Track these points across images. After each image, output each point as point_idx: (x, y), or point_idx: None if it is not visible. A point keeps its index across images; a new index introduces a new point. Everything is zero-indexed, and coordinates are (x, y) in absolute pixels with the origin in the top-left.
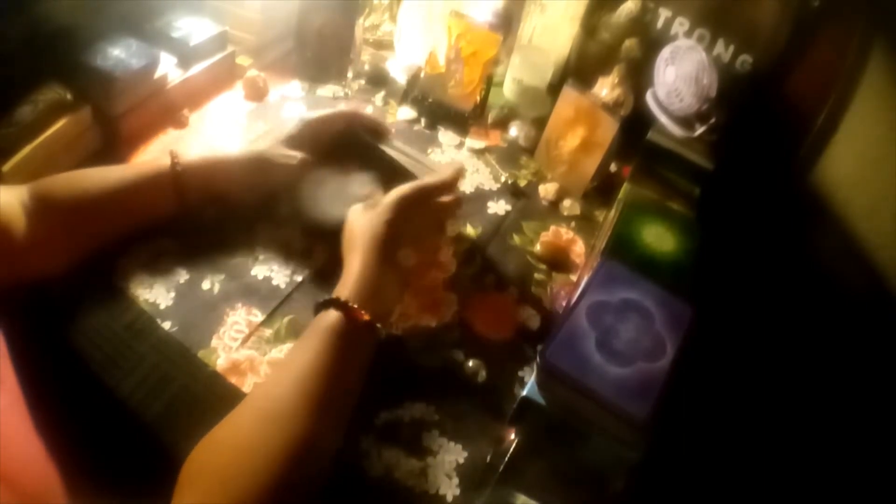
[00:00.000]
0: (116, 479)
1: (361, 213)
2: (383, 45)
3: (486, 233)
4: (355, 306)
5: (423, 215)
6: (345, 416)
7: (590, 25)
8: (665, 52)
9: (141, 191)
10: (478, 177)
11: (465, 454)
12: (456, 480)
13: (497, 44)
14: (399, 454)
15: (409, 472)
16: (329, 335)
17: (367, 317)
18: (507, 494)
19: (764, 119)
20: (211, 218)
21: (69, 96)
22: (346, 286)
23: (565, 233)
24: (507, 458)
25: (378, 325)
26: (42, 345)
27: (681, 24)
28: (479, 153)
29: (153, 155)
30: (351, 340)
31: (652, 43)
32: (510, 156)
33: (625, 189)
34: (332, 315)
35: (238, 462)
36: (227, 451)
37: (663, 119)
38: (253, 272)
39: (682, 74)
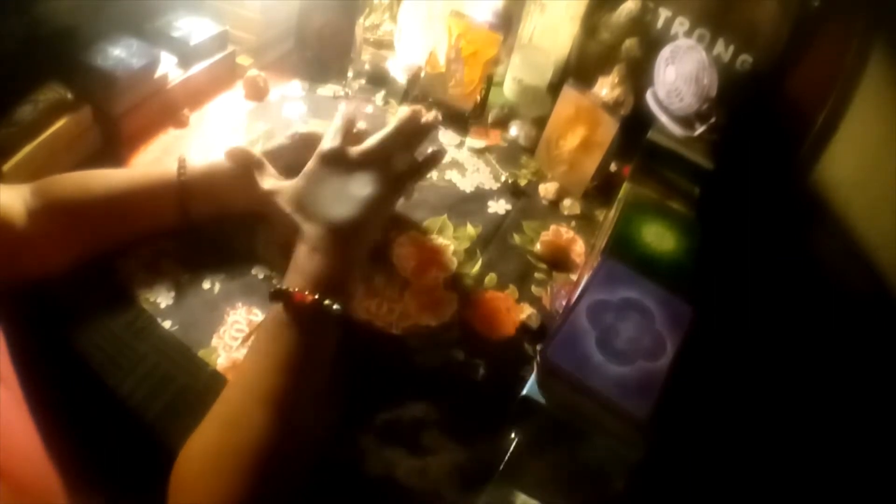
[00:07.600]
0: (116, 479)
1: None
2: (383, 44)
3: (487, 232)
4: (295, 290)
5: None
6: (316, 404)
7: (590, 25)
8: (665, 52)
9: (144, 197)
10: (478, 176)
11: (465, 454)
12: (456, 480)
13: (497, 43)
14: (399, 454)
15: (409, 472)
16: (275, 328)
17: (310, 297)
18: (507, 494)
19: (764, 119)
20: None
21: (69, 96)
22: (290, 271)
23: (565, 232)
24: (507, 458)
25: (326, 302)
26: (42, 344)
27: (681, 24)
28: (480, 153)
29: (154, 155)
30: (301, 327)
31: (652, 43)
32: (510, 155)
33: (625, 188)
34: (275, 307)
35: (210, 470)
36: (200, 460)
37: (663, 119)
38: (253, 271)
39: (682, 74)
